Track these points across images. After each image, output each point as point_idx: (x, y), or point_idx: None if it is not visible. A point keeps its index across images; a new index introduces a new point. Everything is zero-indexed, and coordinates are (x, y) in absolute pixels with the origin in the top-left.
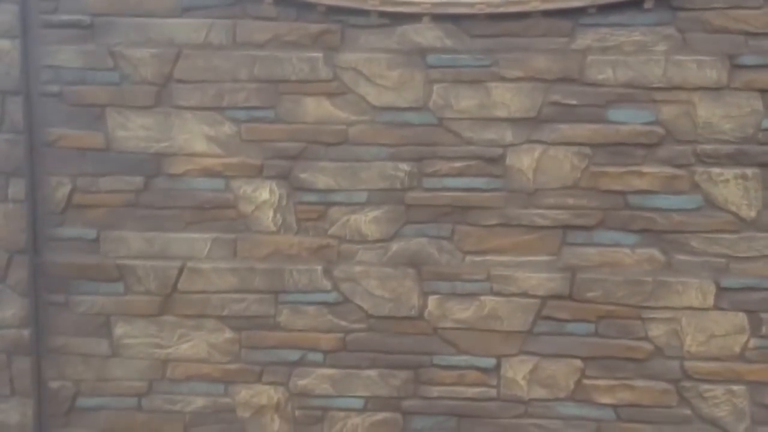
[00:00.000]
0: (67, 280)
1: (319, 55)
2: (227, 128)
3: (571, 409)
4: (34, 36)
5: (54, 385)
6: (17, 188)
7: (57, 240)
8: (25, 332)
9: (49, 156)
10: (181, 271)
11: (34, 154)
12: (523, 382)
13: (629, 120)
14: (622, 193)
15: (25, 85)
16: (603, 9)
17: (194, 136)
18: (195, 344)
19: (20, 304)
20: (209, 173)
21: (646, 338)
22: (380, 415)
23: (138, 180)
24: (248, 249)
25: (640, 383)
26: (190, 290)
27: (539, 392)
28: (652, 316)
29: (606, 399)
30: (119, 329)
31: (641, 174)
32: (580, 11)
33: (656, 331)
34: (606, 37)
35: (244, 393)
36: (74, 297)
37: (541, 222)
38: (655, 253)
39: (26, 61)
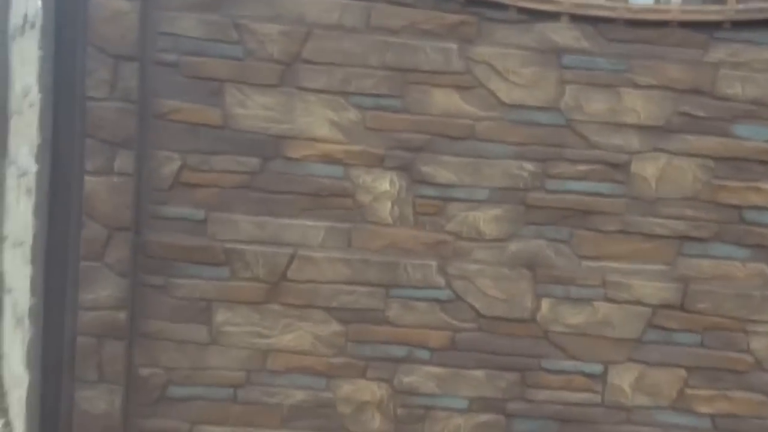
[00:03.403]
0: (168, 261)
1: (453, 46)
2: (351, 114)
3: (670, 417)
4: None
5: (145, 372)
6: (125, 161)
7: (161, 219)
8: (121, 315)
9: (160, 129)
10: (291, 258)
11: (144, 126)
12: (628, 390)
13: (754, 136)
14: (739, 207)
15: (141, 52)
16: (738, 25)
17: (316, 120)
18: (299, 335)
19: (117, 285)
20: (329, 159)
21: (748, 351)
22: (483, 417)
23: (253, 161)
24: (362, 240)
25: (738, 394)
26: (298, 279)
27: (642, 400)
28: (755, 329)
29: (705, 409)
30: (220, 316)
31: (759, 190)
32: (715, 25)
33: (758, 344)
34: (738, 53)
35: (346, 388)
36: (174, 280)
37: (659, 231)
38: (765, 268)
39: (144, 26)
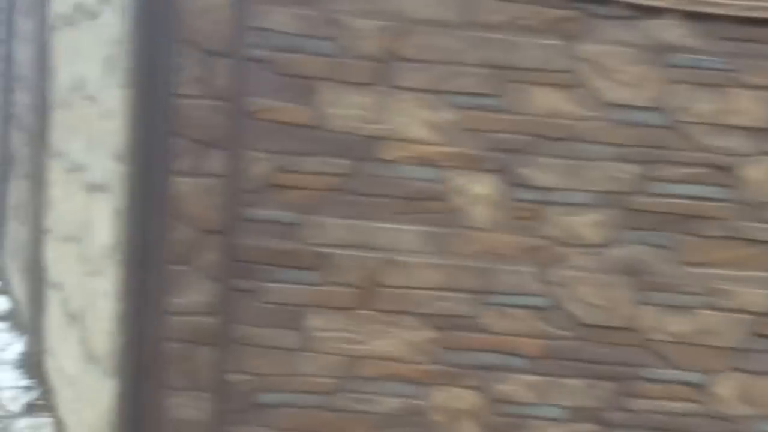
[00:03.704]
0: (257, 265)
1: (555, 43)
2: (448, 114)
3: None
4: None
5: (234, 378)
6: (215, 161)
7: (250, 221)
8: (210, 320)
9: (250, 128)
10: (383, 263)
11: (234, 125)
12: (730, 399)
13: None
14: None
15: (233, 47)
16: None
17: (411, 121)
18: (391, 342)
19: (207, 290)
20: (423, 161)
21: None
22: (580, 427)
23: (345, 163)
24: (457, 245)
25: None
26: (391, 284)
27: (745, 410)
28: None
29: None
30: (310, 321)
31: None
32: None
33: None
34: None
35: (439, 396)
36: (264, 284)
37: (765, 237)
38: None
39: (236, 20)
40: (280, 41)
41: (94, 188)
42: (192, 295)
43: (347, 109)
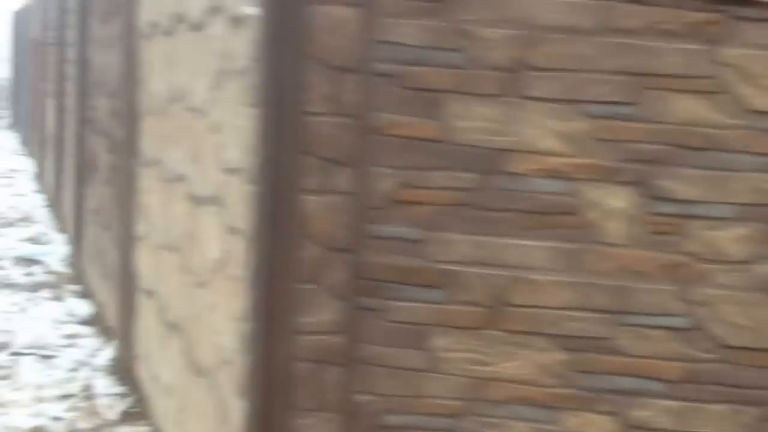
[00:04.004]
0: (384, 283)
1: (696, 47)
2: (580, 124)
3: None
4: (376, 6)
5: (361, 399)
6: (344, 179)
7: (376, 238)
8: (338, 340)
9: (376, 144)
10: (512, 281)
11: (362, 141)
12: None
13: None
14: None
15: (361, 63)
16: None
17: (542, 132)
18: (521, 363)
19: (334, 308)
20: (554, 174)
21: None
22: None
23: (472, 177)
24: (591, 262)
25: None
26: (520, 303)
27: None
28: None
29: None
30: (437, 341)
31: None
32: None
33: None
34: None
35: (572, 421)
36: (390, 303)
37: None
38: None
39: (365, 35)
40: (407, 54)
41: (201, 201)
42: (319, 314)
43: (475, 121)
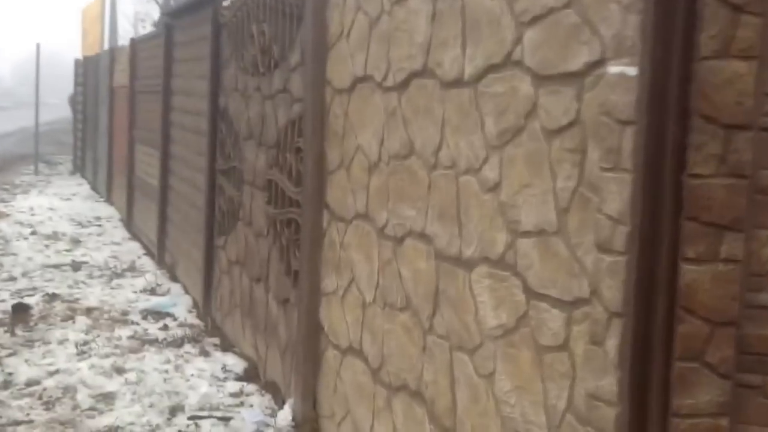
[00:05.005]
0: (765, 357)
1: None
2: None
3: None
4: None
5: None
6: (732, 245)
7: (757, 308)
8: (721, 422)
9: (763, 205)
10: None
11: (750, 203)
12: None
13: None
14: None
15: (752, 119)
16: None
17: None
18: None
19: (718, 388)
20: None
21: None
22: None
23: None
24: None
25: None
26: None
27: None
28: None
29: None
30: None
31: None
32: None
33: None
34: None
35: None
36: None
37: None
38: None
39: (759, 88)
40: None
41: (460, 263)
42: (702, 395)
43: None
